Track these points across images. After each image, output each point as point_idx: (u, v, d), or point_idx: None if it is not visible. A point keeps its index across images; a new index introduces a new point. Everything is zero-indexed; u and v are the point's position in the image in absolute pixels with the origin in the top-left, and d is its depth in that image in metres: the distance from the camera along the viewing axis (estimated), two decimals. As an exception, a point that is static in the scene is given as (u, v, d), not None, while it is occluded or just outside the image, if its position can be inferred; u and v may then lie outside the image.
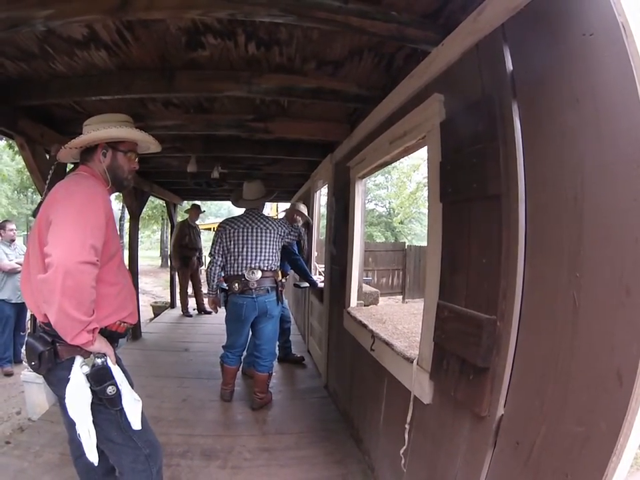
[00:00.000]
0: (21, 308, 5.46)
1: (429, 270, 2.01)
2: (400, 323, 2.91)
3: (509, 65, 1.45)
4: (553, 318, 1.22)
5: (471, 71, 1.67)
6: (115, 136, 1.92)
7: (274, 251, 3.69)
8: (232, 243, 3.68)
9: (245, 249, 3.64)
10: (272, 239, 3.68)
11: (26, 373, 3.70)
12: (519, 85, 1.41)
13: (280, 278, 3.77)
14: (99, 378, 1.72)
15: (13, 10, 1.77)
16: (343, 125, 3.69)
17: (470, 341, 1.52)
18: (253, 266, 3.61)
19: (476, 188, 1.55)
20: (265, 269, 3.64)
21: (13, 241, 5.45)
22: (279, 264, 3.73)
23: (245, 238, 3.66)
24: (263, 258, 3.63)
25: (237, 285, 3.64)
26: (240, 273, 3.64)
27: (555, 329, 1.21)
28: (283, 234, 3.74)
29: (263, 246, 3.65)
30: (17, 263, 5.29)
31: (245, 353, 4.18)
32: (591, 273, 1.10)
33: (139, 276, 6.73)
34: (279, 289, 3.73)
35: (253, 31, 2.14)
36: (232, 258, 3.68)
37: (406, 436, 2.10)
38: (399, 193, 23.40)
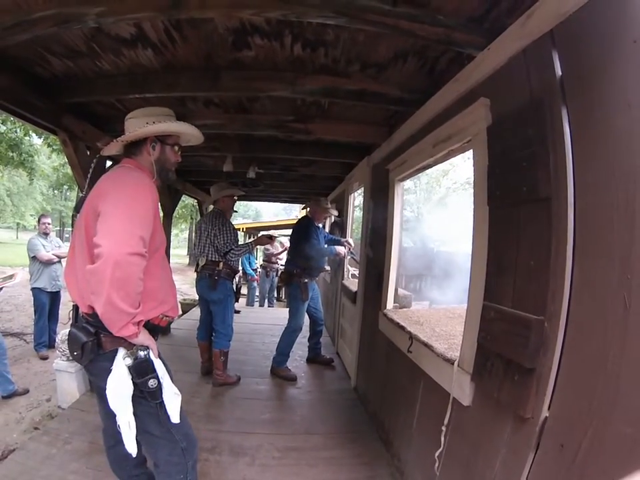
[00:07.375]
0: (54, 296, 5.80)
1: (473, 272, 2.00)
2: (437, 325, 2.89)
3: (558, 70, 1.45)
4: (603, 319, 1.22)
5: (519, 76, 1.67)
6: (173, 130, 1.97)
7: (209, 244, 4.35)
8: (196, 234, 4.68)
9: (198, 240, 4.50)
10: (208, 235, 4.35)
11: (58, 362, 3.78)
12: (568, 90, 1.41)
13: (220, 268, 4.35)
14: (141, 370, 1.74)
15: (64, 6, 1.80)
16: (382, 127, 3.70)
17: (517, 342, 1.52)
18: (199, 253, 4.44)
19: (526, 191, 1.55)
20: (209, 258, 4.37)
21: (47, 234, 5.78)
22: (216, 256, 4.35)
23: (200, 231, 4.49)
24: (203, 249, 4.39)
25: (195, 266, 4.62)
26: (198, 259, 4.51)
27: (604, 330, 1.20)
28: (212, 235, 4.34)
29: (204, 239, 4.39)
30: (53, 254, 5.61)
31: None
32: (642, 275, 1.10)
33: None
34: (215, 277, 4.32)
35: (299, 32, 2.17)
36: (195, 246, 4.62)
37: (442, 438, 2.09)
38: (428, 198, 23.22)
